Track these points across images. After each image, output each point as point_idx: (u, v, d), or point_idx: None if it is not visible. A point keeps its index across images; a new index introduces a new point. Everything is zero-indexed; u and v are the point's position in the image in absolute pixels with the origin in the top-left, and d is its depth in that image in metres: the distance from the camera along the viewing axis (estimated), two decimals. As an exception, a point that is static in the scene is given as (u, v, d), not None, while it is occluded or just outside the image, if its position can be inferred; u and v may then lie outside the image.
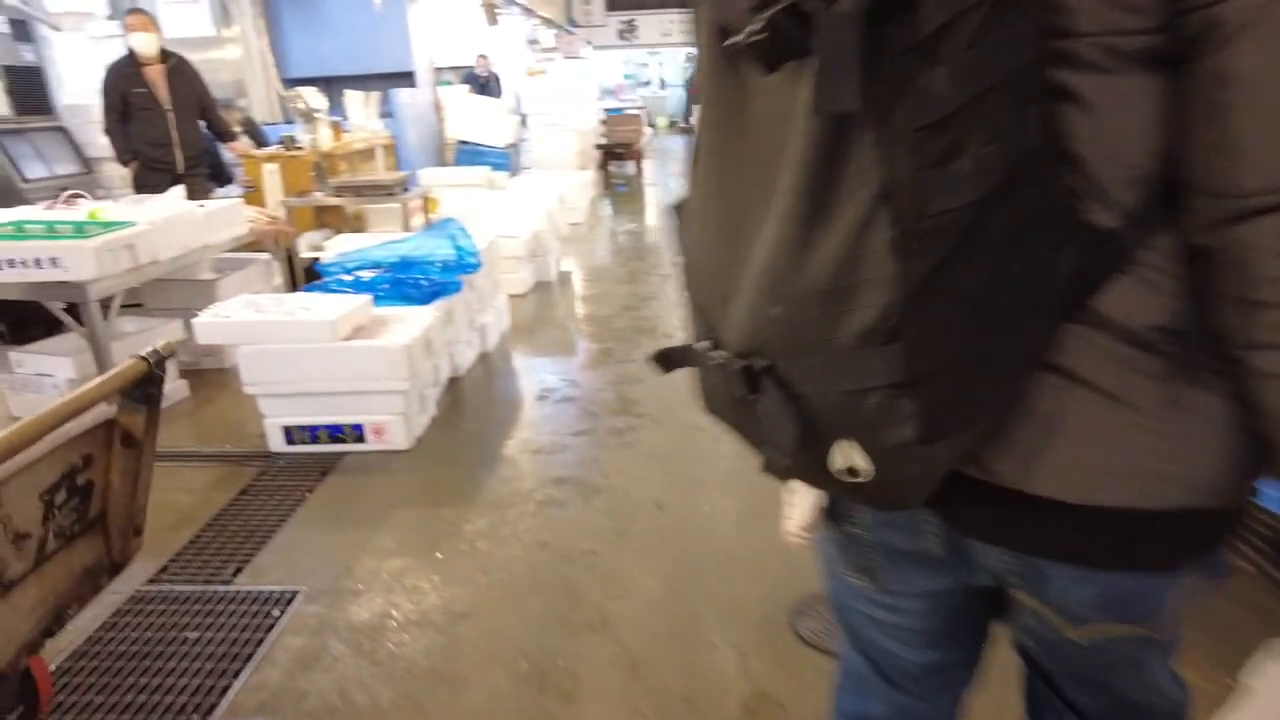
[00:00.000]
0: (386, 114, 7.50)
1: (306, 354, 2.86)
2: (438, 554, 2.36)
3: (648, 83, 24.39)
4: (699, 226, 0.74)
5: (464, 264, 3.44)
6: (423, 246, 3.58)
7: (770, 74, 0.59)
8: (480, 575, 2.26)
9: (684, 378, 0.81)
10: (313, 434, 2.95)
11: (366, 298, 3.06)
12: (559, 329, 4.72)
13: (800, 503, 0.94)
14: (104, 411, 1.41)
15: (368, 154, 6.17)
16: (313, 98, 4.88)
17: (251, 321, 2.91)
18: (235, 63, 7.27)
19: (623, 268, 6.14)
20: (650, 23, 20.55)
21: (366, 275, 3.31)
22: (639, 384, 3.61)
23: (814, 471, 0.68)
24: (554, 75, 12.13)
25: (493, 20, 8.89)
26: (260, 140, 6.01)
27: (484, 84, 9.46)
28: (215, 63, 7.17)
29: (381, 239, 4.14)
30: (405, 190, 5.13)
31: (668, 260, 6.23)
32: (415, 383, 2.99)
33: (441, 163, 8.28)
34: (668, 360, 0.80)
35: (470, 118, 8.02)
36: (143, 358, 1.39)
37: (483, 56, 9.77)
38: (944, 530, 0.76)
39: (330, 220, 5.58)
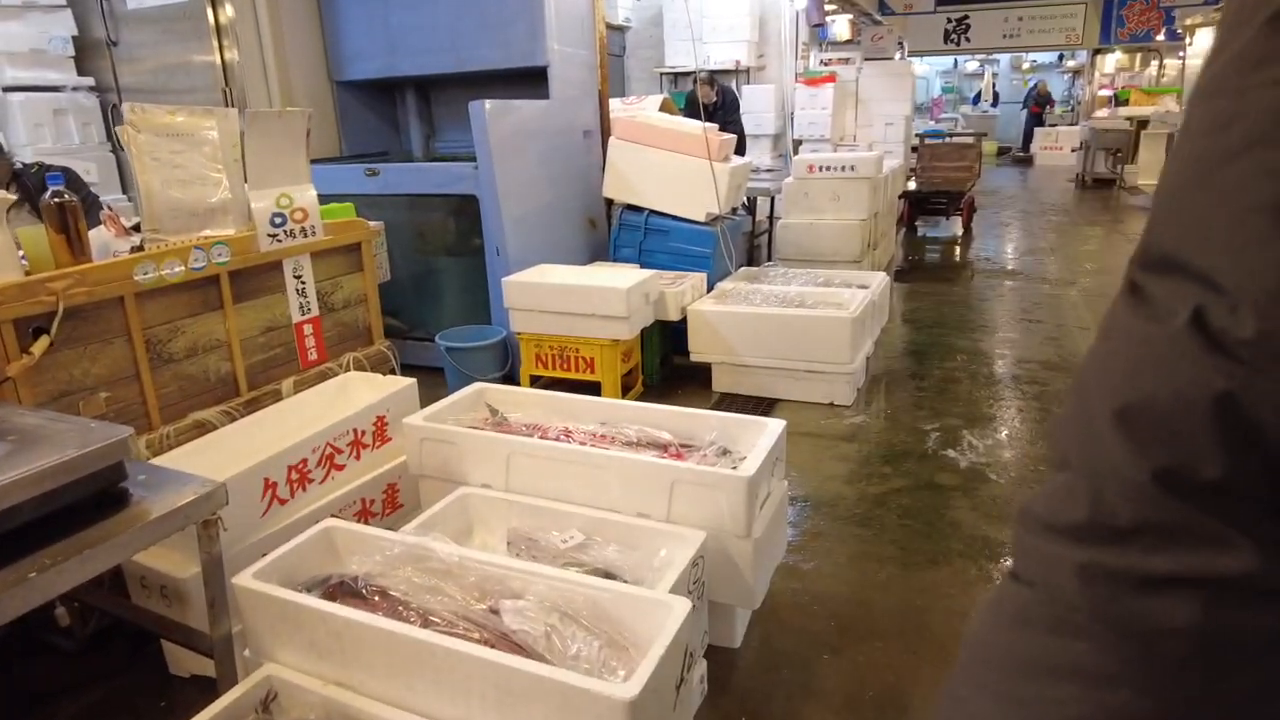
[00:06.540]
0: (461, 154, 3.68)
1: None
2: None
3: (976, 99, 18.81)
4: None
5: None
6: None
7: None
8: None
9: None
10: None
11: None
12: None
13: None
14: None
15: (259, 287, 2.29)
16: None
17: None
18: (231, 62, 3.86)
19: None
20: (988, 21, 15.21)
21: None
22: None
23: None
24: (845, 84, 7.73)
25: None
26: (87, 207, 2.36)
27: (709, 113, 5.33)
28: (193, 68, 3.83)
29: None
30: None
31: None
32: None
33: (589, 251, 4.27)
34: None
35: (645, 163, 3.96)
36: None
37: (704, 82, 5.62)
38: None
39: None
